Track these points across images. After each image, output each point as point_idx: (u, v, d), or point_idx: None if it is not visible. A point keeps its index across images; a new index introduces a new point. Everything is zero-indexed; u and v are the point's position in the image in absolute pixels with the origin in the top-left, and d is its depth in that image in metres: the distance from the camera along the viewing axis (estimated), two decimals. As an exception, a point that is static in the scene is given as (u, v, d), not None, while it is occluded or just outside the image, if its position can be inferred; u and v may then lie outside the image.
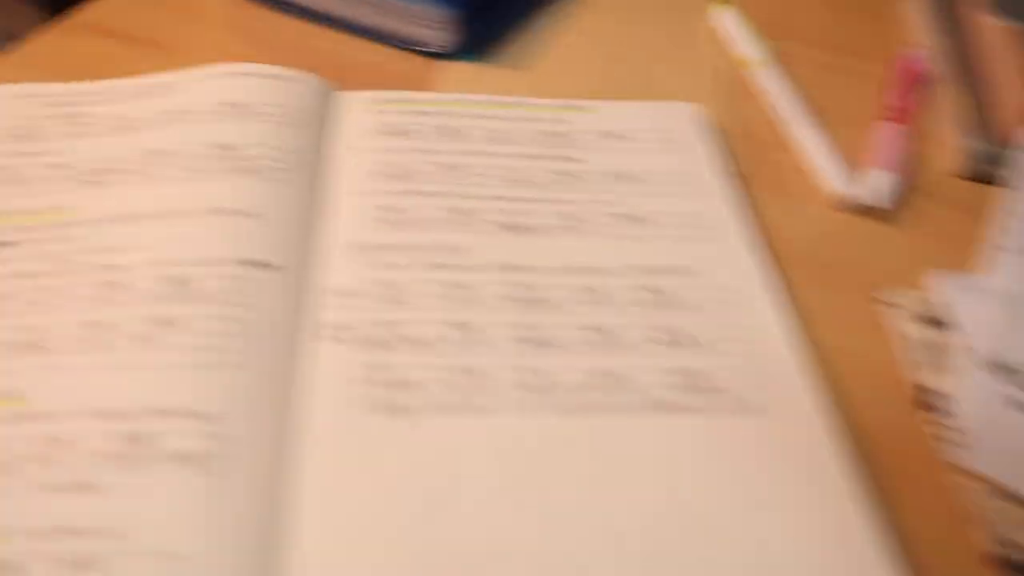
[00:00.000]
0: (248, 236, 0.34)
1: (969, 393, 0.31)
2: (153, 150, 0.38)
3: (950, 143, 0.44)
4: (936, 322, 0.35)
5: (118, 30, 0.47)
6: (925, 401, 0.32)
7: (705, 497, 0.28)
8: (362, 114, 0.41)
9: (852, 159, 0.42)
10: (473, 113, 0.41)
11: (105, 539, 0.25)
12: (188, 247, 0.33)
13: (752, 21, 0.51)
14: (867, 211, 0.40)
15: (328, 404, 0.29)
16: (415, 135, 0.39)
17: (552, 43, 0.49)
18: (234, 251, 0.33)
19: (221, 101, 0.40)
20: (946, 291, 0.35)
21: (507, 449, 0.28)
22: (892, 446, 0.31)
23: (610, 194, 0.38)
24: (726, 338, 0.32)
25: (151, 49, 0.46)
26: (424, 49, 0.46)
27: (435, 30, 0.46)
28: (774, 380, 0.31)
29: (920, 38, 0.51)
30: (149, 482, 0.26)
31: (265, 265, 0.33)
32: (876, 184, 0.40)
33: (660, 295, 0.34)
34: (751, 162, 0.42)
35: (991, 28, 0.48)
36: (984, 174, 0.42)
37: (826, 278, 0.37)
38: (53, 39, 0.46)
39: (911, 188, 0.42)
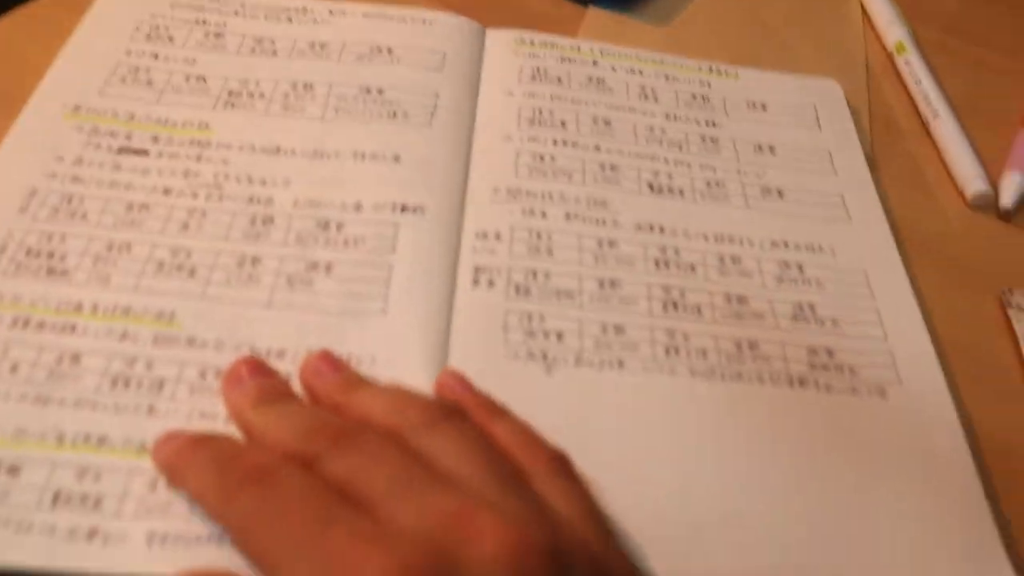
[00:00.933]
0: (399, 182, 0.34)
1: None
2: (295, 82, 0.38)
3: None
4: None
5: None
6: None
7: (826, 470, 0.29)
8: (511, 56, 0.41)
9: (990, 159, 0.42)
10: (619, 66, 0.42)
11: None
12: (338, 191, 0.34)
13: (907, 11, 0.50)
14: (999, 213, 0.40)
15: (478, 349, 0.30)
16: (565, 83, 0.40)
17: (693, 4, 0.49)
18: (386, 196, 0.34)
19: (369, 44, 0.40)
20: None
21: (642, 405, 0.30)
22: (1007, 447, 0.32)
23: (752, 164, 0.38)
24: (858, 321, 0.33)
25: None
26: (567, -8, 0.47)
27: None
28: (902, 363, 0.32)
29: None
30: None
31: (416, 209, 0.34)
32: (1010, 186, 0.40)
33: (798, 271, 0.34)
34: (889, 149, 0.42)
35: None
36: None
37: (952, 274, 0.37)
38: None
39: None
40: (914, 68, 0.45)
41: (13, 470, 0.26)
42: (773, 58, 0.46)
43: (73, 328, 0.29)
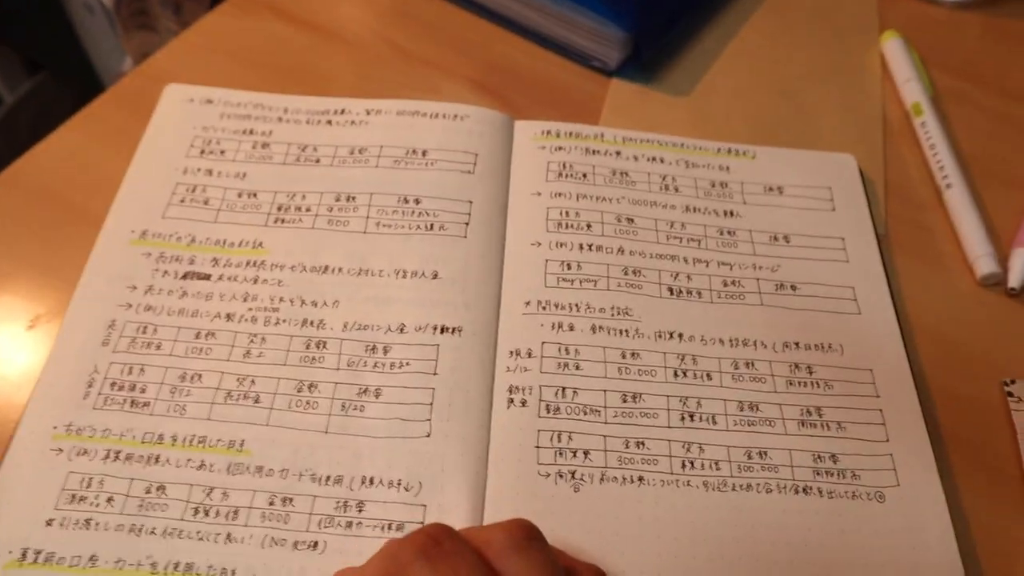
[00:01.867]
0: (438, 301, 0.37)
1: None
2: (339, 193, 0.41)
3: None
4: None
5: (287, 10, 0.50)
6: None
7: (821, 572, 0.32)
8: (538, 151, 0.43)
9: (1005, 226, 0.43)
10: (641, 154, 0.44)
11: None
12: (383, 312, 0.37)
13: (926, 53, 0.51)
14: (1007, 291, 0.41)
15: (513, 470, 0.34)
16: (590, 178, 0.42)
17: (715, 68, 0.50)
18: (427, 318, 0.37)
19: (405, 146, 0.42)
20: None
21: (660, 517, 0.33)
22: (1002, 545, 0.34)
23: (768, 258, 0.41)
24: (862, 420, 0.36)
25: (320, 34, 0.49)
26: (593, 64, 0.48)
27: (605, 47, 0.47)
28: (901, 466, 0.35)
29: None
30: (358, 549, 0.31)
31: (454, 330, 0.37)
32: (1018, 265, 0.41)
33: (807, 373, 0.37)
34: (903, 221, 0.44)
35: None
36: None
37: (956, 360, 0.39)
38: (221, 18, 0.49)
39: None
40: (930, 131, 0.46)
41: (116, 595, 0.30)
42: (791, 124, 0.47)
43: (157, 459, 0.33)
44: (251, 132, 0.43)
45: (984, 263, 0.41)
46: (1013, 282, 0.41)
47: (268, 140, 0.43)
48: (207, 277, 0.38)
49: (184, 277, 0.38)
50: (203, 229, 0.39)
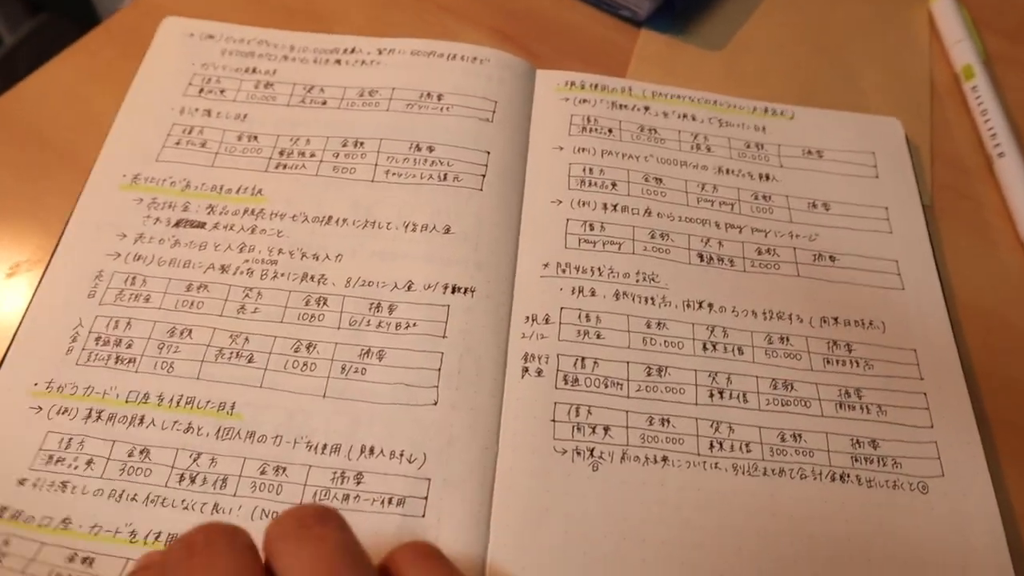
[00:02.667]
0: (450, 258, 0.34)
1: None
2: (346, 138, 0.38)
3: None
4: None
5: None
6: None
7: (861, 566, 0.30)
8: (561, 103, 0.40)
9: None
10: (672, 110, 0.40)
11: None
12: (389, 268, 0.34)
13: (977, 14, 0.47)
14: None
15: (526, 445, 0.31)
16: (616, 134, 0.39)
17: (751, 20, 0.47)
18: (437, 276, 0.34)
19: (418, 88, 0.39)
20: None
21: (684, 501, 0.30)
22: None
23: (805, 226, 0.38)
24: (905, 406, 0.33)
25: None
26: (622, 14, 0.45)
27: (636, -5, 0.44)
28: (946, 454, 0.32)
29: None
30: (354, 523, 0.28)
31: (466, 291, 0.34)
32: None
33: (846, 351, 0.34)
34: (952, 194, 0.41)
35: None
36: None
37: (1003, 338, 0.37)
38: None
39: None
40: (982, 96, 0.43)
41: (87, 561, 0.28)
42: (832, 83, 0.44)
43: (142, 420, 0.30)
44: (254, 71, 0.40)
45: (1036, 237, 0.39)
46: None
47: (272, 80, 0.40)
48: (201, 225, 0.35)
49: (177, 225, 0.35)
50: (199, 174, 0.36)
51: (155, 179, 0.36)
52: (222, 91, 0.39)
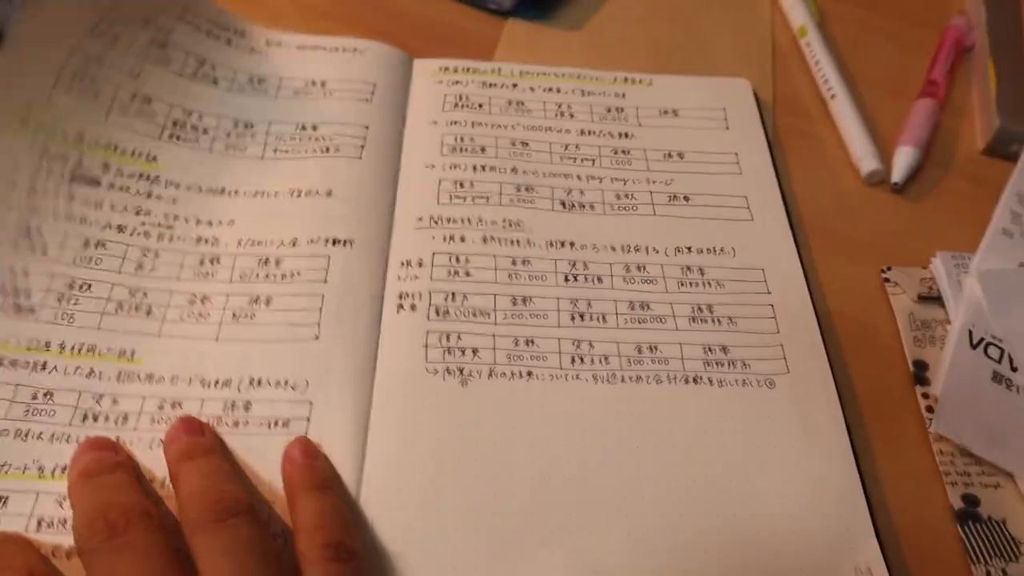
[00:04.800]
0: (331, 216, 0.38)
1: (949, 364, 0.36)
2: (237, 119, 0.41)
3: (982, 120, 0.46)
4: (933, 298, 0.39)
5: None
6: (917, 373, 0.37)
7: (718, 453, 0.33)
8: (435, 85, 0.44)
9: (889, 132, 0.45)
10: (538, 85, 0.45)
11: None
12: (276, 228, 0.37)
13: None
14: (890, 187, 0.43)
15: (401, 367, 0.34)
16: (486, 108, 0.43)
17: (610, 2, 0.52)
18: (319, 231, 0.37)
19: (304, 78, 0.43)
20: (944, 269, 0.39)
21: (548, 410, 0.33)
22: (884, 411, 0.36)
23: (662, 173, 0.42)
24: (754, 315, 0.37)
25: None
26: (488, 7, 0.50)
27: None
28: (791, 354, 0.36)
29: (970, 7, 0.52)
30: (244, 445, 0.32)
31: (346, 242, 0.37)
32: (900, 161, 0.43)
33: (699, 274, 0.38)
34: (796, 135, 0.45)
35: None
36: (1012, 154, 0.44)
37: (844, 251, 0.41)
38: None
39: (937, 164, 0.45)
40: (814, 49, 0.48)
41: (1, 500, 0.30)
42: (686, 50, 0.49)
43: (44, 365, 0.33)
44: (148, 22, 0.41)
45: (867, 162, 0.43)
46: (896, 177, 0.43)
47: (166, 40, 0.42)
48: (97, 183, 0.37)
49: (72, 180, 0.37)
50: (93, 126, 0.38)
51: (47, 124, 0.37)
52: (115, 37, 0.40)
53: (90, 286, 0.35)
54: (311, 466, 0.31)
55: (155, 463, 0.31)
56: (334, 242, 0.37)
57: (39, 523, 0.30)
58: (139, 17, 0.41)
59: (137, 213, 0.37)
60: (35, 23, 0.38)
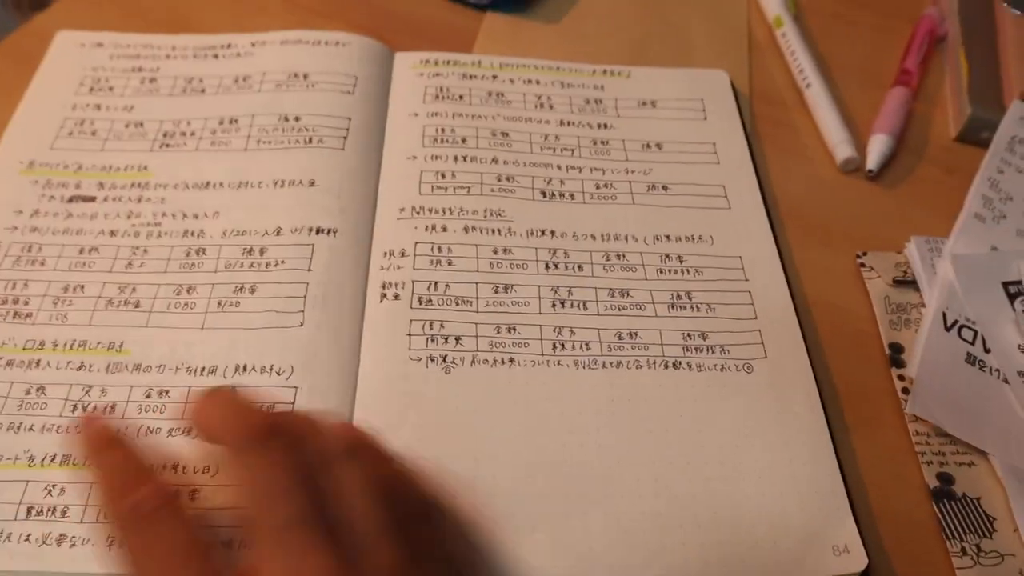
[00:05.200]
0: (314, 205, 0.39)
1: (924, 346, 0.37)
2: (222, 117, 0.42)
3: (954, 107, 0.47)
4: (908, 282, 0.40)
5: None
6: (893, 356, 0.37)
7: (697, 436, 0.34)
8: (416, 77, 0.45)
9: (864, 120, 0.46)
10: (518, 77, 0.45)
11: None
12: (261, 218, 0.38)
13: None
14: (865, 174, 0.44)
15: (385, 355, 0.35)
16: (466, 100, 0.44)
17: None
18: (302, 220, 0.38)
19: (287, 71, 0.44)
20: (918, 253, 0.40)
21: (530, 395, 0.34)
22: (860, 393, 0.37)
23: (640, 163, 0.42)
24: (732, 302, 0.38)
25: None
26: (469, 1, 0.50)
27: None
28: (769, 339, 0.36)
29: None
30: None
31: (329, 231, 0.38)
32: (875, 148, 0.44)
33: (678, 262, 0.39)
34: (772, 124, 0.46)
35: (1002, 13, 0.50)
36: (983, 140, 0.45)
37: (820, 237, 0.42)
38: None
39: (911, 151, 0.46)
40: (790, 40, 0.49)
41: (-9, 487, 0.31)
42: (664, 45, 0.49)
43: (38, 363, 0.34)
44: (140, 69, 0.44)
45: (842, 149, 0.44)
46: (871, 164, 0.44)
47: (156, 75, 0.44)
48: (92, 199, 0.39)
49: (71, 200, 0.39)
50: (90, 157, 0.41)
51: (50, 164, 0.40)
52: (111, 88, 0.43)
53: (83, 287, 0.36)
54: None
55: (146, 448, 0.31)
56: (318, 231, 0.38)
57: (28, 511, 0.30)
58: (130, 67, 0.45)
59: (128, 217, 0.39)
60: (42, 88, 0.44)
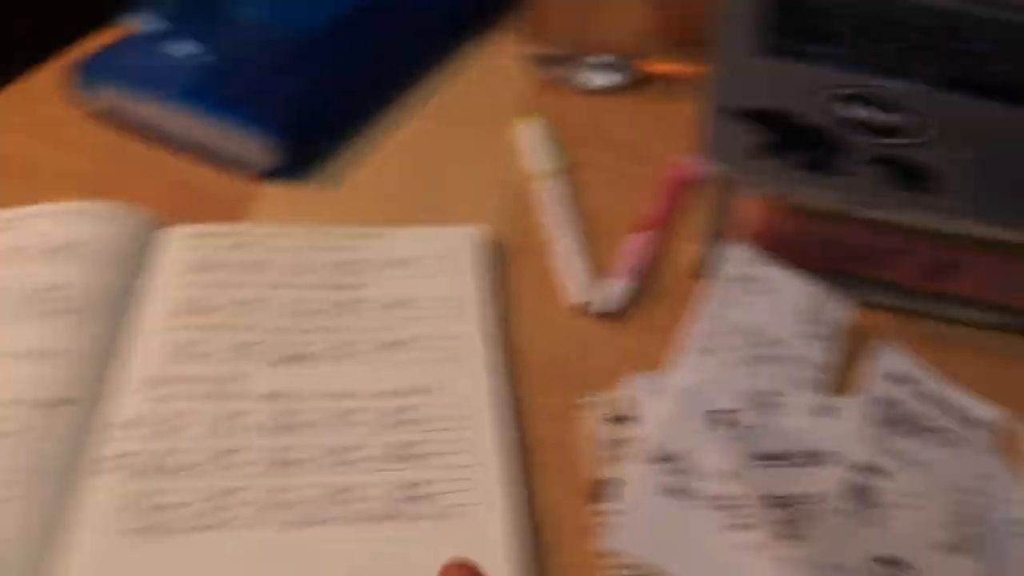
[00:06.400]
0: (48, 376, 0.40)
1: (628, 480, 0.39)
2: None
3: (694, 246, 0.51)
4: (623, 419, 0.42)
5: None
6: (597, 492, 0.39)
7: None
8: (179, 250, 0.48)
9: (606, 266, 0.50)
10: (280, 245, 0.49)
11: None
12: None
13: (561, 130, 0.59)
14: (602, 316, 0.47)
15: (95, 531, 0.36)
16: (220, 269, 0.47)
17: (365, 161, 0.57)
18: (32, 392, 0.40)
19: (51, 243, 0.46)
20: (636, 390, 0.43)
21: (238, 561, 0.35)
22: (562, 531, 0.38)
23: (383, 321, 0.45)
24: (449, 451, 0.40)
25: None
26: (244, 169, 0.54)
27: (255, 152, 0.53)
28: (479, 487, 0.38)
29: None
30: None
31: (60, 403, 0.40)
32: (610, 291, 0.48)
33: (402, 414, 0.41)
34: (519, 275, 0.50)
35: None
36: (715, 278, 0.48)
37: (553, 381, 0.44)
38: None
39: (649, 291, 0.49)
40: (552, 194, 0.54)
41: None
42: (430, 208, 0.53)
43: None
44: None
45: (579, 292, 0.48)
46: (603, 307, 0.47)
47: None
48: None
49: None
50: None
51: None
52: None
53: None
54: None
55: None
56: (47, 404, 0.39)
57: None
58: None
59: None
60: None
